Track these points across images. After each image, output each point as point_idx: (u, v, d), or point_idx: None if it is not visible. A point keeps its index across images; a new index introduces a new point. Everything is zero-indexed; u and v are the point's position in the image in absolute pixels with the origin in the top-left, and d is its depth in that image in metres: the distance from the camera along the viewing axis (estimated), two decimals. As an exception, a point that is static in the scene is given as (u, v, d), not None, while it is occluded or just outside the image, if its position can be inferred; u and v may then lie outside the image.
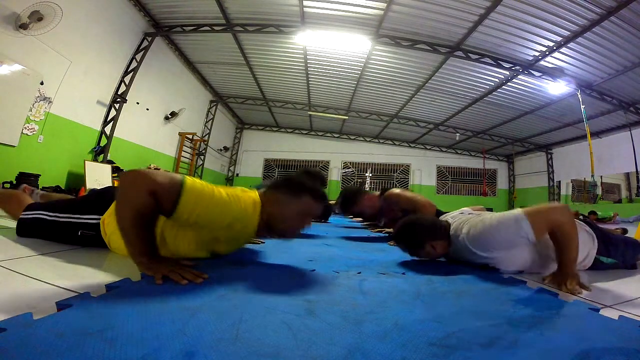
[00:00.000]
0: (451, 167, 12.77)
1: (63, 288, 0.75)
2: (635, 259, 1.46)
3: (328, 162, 13.21)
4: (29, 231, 1.32)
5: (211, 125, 10.39)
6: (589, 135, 6.64)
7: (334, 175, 13.04)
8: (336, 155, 13.03)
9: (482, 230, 1.21)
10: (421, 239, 1.36)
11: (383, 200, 2.38)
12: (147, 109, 7.14)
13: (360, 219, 5.27)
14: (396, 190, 2.37)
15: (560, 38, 5.65)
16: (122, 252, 1.14)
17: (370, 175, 12.54)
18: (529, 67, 6.61)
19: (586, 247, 1.33)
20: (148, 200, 0.90)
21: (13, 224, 1.67)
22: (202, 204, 0.95)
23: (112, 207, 1.18)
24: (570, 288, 0.98)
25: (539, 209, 1.15)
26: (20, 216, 1.35)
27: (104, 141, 5.96)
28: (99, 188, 1.32)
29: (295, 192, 1.11)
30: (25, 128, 4.54)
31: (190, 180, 0.96)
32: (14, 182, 4.09)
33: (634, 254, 1.46)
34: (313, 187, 1.14)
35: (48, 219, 1.28)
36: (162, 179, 0.92)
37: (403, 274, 1.14)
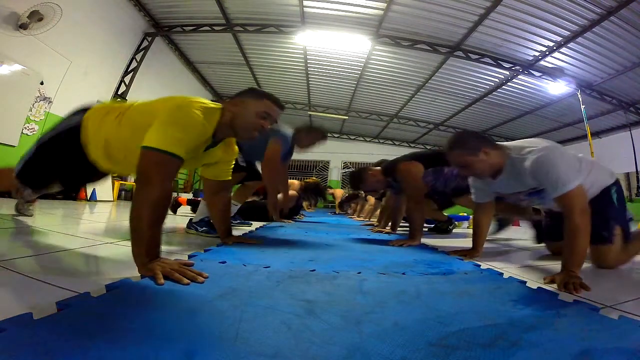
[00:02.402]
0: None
1: (63, 288, 0.75)
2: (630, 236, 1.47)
3: (328, 162, 13.21)
4: (29, 176, 1.35)
5: (211, 125, 10.38)
6: (589, 135, 6.63)
7: (334, 175, 13.05)
8: (336, 155, 13.03)
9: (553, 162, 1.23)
10: (476, 144, 1.36)
11: (391, 175, 2.32)
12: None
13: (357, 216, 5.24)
14: (407, 169, 2.18)
15: (560, 38, 5.65)
16: (103, 165, 1.26)
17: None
18: (529, 67, 6.61)
19: (598, 175, 1.37)
20: (170, 187, 0.99)
21: (11, 223, 1.67)
22: (179, 137, 1.01)
23: (97, 106, 1.30)
24: (570, 288, 0.98)
25: (585, 199, 1.20)
26: (14, 174, 1.38)
27: (104, 141, 5.96)
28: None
29: (257, 96, 1.26)
30: (26, 128, 4.55)
31: (158, 143, 0.98)
32: (14, 182, 4.09)
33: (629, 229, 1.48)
34: (272, 95, 1.29)
35: (34, 152, 1.32)
36: (160, 162, 0.97)
37: (403, 274, 1.14)
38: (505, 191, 1.50)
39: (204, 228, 1.98)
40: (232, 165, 1.51)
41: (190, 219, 2.05)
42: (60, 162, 1.31)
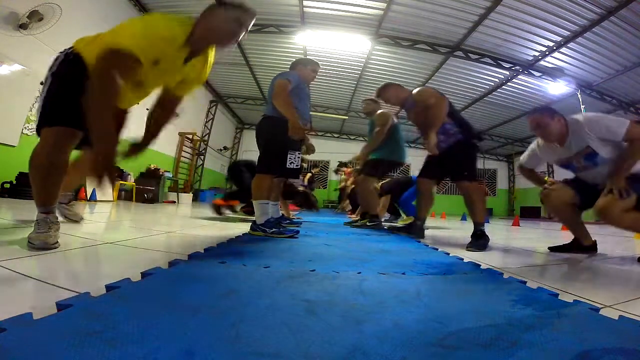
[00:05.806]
0: (451, 167, 12.77)
1: (63, 288, 0.75)
2: None
3: (328, 162, 13.19)
4: (56, 112, 1.27)
5: (211, 125, 10.39)
6: (589, 135, 6.64)
7: (334, 175, 13.01)
8: (336, 156, 13.00)
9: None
10: (554, 112, 1.82)
11: (410, 97, 2.48)
12: (147, 109, 7.14)
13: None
14: (424, 98, 2.32)
15: (560, 38, 5.65)
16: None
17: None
18: (529, 67, 6.61)
19: None
20: (117, 77, 1.12)
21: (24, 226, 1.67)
22: (145, 42, 1.15)
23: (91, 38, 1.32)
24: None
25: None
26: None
27: (104, 141, 5.95)
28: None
29: (227, 8, 1.30)
30: (26, 128, 4.54)
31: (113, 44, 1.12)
32: (14, 182, 4.09)
33: None
34: (242, 4, 1.33)
35: (49, 87, 1.29)
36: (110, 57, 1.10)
37: (403, 274, 1.14)
38: (567, 155, 1.87)
39: (273, 229, 1.97)
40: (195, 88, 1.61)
41: (254, 221, 2.03)
42: (76, 87, 1.25)
